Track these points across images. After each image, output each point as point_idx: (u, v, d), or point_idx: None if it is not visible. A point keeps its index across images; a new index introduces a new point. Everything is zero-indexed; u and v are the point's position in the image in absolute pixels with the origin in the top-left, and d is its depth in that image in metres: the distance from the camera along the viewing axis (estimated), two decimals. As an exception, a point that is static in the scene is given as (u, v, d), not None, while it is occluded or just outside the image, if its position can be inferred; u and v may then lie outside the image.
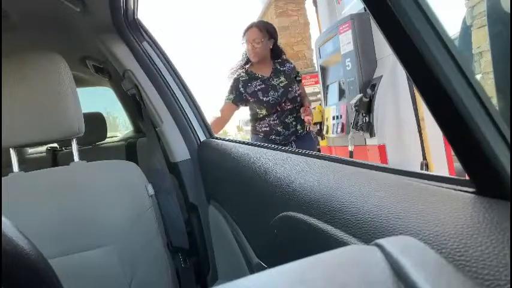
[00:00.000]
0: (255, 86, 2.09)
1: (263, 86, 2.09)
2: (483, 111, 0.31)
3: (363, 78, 2.44)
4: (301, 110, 2.12)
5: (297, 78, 2.19)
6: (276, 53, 2.18)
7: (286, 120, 2.11)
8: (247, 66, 2.16)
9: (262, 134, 2.14)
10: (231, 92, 2.12)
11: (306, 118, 2.10)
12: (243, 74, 2.12)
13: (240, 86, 2.10)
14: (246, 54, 2.16)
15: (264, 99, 2.08)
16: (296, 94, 2.13)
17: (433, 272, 0.23)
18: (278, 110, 2.10)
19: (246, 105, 2.17)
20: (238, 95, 2.10)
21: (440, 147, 2.25)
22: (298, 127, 2.14)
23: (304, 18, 5.84)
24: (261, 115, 2.12)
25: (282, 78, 2.11)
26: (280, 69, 2.15)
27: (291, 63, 2.22)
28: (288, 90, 2.10)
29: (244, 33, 2.13)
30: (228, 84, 2.17)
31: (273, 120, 2.11)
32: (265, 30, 2.10)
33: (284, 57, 2.23)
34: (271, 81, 2.10)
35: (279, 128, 2.11)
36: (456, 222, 0.31)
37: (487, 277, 0.25)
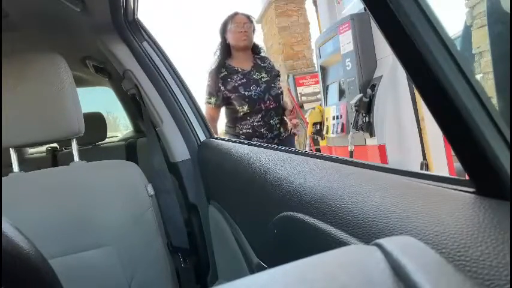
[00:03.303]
0: (236, 80, 1.92)
1: (244, 80, 1.92)
2: (483, 111, 0.31)
3: (363, 78, 2.44)
4: (286, 112, 1.98)
5: (278, 78, 2.06)
6: (255, 47, 2.07)
7: (271, 121, 1.95)
8: (227, 60, 2.00)
9: (243, 137, 1.93)
10: (211, 93, 1.94)
11: (294, 121, 1.97)
12: (222, 69, 1.95)
13: (219, 83, 1.92)
14: (221, 47, 2.00)
15: (246, 93, 1.89)
16: (279, 91, 1.99)
17: (433, 272, 0.23)
18: (262, 109, 1.92)
19: (225, 104, 1.97)
20: (219, 96, 1.93)
21: (440, 147, 2.25)
22: (281, 130, 2.00)
23: (304, 18, 5.84)
24: (241, 113, 1.91)
25: (264, 74, 1.98)
26: (261, 64, 2.02)
27: (271, 61, 2.10)
28: (271, 86, 1.96)
29: (231, 19, 1.98)
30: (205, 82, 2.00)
31: (257, 121, 1.92)
32: (250, 20, 2.01)
33: (263, 54, 2.12)
34: (252, 75, 1.94)
35: (262, 130, 1.93)
36: (456, 222, 0.31)
37: (487, 277, 0.25)
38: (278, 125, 1.98)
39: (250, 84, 1.93)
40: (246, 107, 1.90)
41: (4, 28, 1.16)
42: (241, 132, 1.95)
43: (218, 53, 2.02)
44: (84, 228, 0.86)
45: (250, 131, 1.93)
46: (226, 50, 2.01)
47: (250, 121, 1.93)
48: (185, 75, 1.31)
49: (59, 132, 0.90)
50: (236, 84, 1.92)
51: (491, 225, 0.29)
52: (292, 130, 2.06)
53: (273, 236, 0.63)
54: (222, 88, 1.92)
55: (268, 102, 1.94)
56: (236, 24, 1.96)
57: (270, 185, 0.66)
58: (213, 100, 1.94)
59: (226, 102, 1.95)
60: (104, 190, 0.90)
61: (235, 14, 2.00)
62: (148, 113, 1.26)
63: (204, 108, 1.96)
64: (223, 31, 2.00)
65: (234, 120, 1.97)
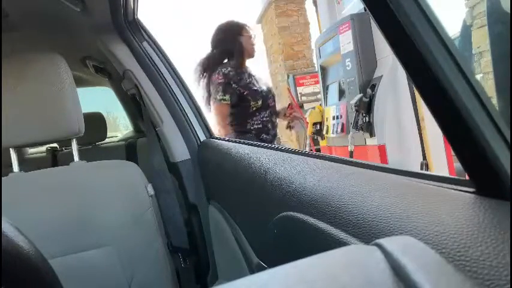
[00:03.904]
0: (245, 78, 2.02)
1: (251, 78, 2.05)
2: (483, 111, 0.31)
3: (363, 78, 2.44)
4: (282, 110, 2.20)
5: None
6: None
7: (272, 118, 2.11)
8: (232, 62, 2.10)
9: (254, 132, 2.03)
10: (224, 90, 1.97)
11: (295, 113, 2.22)
12: (230, 69, 2.02)
13: (231, 82, 1.99)
14: (241, 48, 2.06)
15: (259, 89, 2.04)
16: (274, 92, 2.18)
17: (433, 272, 0.23)
18: (269, 105, 2.07)
19: (238, 101, 2.05)
20: (233, 93, 1.98)
21: (440, 147, 2.25)
22: (277, 128, 2.19)
23: (304, 18, 5.83)
24: (254, 108, 2.02)
25: (257, 77, 2.14)
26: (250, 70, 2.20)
27: None
28: (269, 87, 2.14)
29: (248, 28, 2.10)
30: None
31: (266, 117, 2.06)
32: None
33: None
34: (254, 76, 2.09)
35: (269, 125, 2.08)
36: (456, 222, 0.31)
37: (487, 277, 0.25)
38: (276, 123, 2.17)
39: (256, 82, 2.07)
40: (260, 102, 2.01)
41: (4, 28, 1.16)
42: (252, 127, 2.02)
43: (237, 55, 2.05)
44: (84, 228, 0.86)
45: (261, 126, 2.04)
46: (243, 52, 2.08)
47: (260, 116, 2.04)
48: (185, 75, 1.31)
49: (59, 132, 0.90)
50: (247, 81, 2.02)
51: (491, 225, 0.29)
52: (290, 124, 2.24)
53: (273, 236, 0.63)
54: (235, 86, 1.99)
55: (271, 99, 2.11)
56: (252, 36, 2.10)
57: (270, 185, 0.66)
58: (227, 97, 1.98)
59: (239, 98, 2.00)
60: (104, 190, 0.90)
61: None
62: (148, 113, 1.26)
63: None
64: (238, 34, 2.05)
65: (244, 116, 2.02)
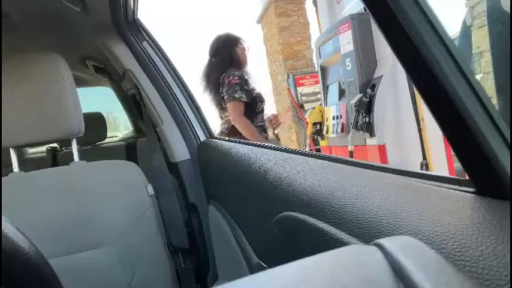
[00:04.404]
0: (250, 82, 2.24)
1: (251, 84, 2.26)
2: (483, 111, 0.31)
3: (363, 78, 2.44)
4: (266, 118, 2.38)
5: None
6: None
7: (266, 119, 2.35)
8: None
9: (259, 129, 2.25)
10: (241, 90, 2.16)
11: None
12: (240, 72, 2.24)
13: (243, 83, 2.19)
14: (236, 58, 2.28)
15: (261, 93, 2.29)
16: None
17: (433, 272, 0.23)
18: (264, 108, 2.31)
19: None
20: (247, 92, 2.18)
21: (440, 147, 2.25)
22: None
23: (304, 18, 5.82)
24: (259, 109, 2.25)
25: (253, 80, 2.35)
26: None
27: None
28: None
29: (244, 40, 2.31)
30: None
31: (264, 116, 2.30)
32: None
33: None
34: (252, 80, 2.31)
35: (266, 125, 2.32)
36: (456, 222, 0.31)
37: (487, 277, 0.25)
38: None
39: (255, 86, 2.29)
40: (264, 103, 2.27)
41: (4, 28, 1.16)
42: (257, 125, 2.23)
43: (236, 63, 2.28)
44: (84, 228, 0.86)
45: (262, 124, 2.26)
46: (239, 61, 2.28)
47: (262, 115, 2.27)
48: (185, 76, 1.31)
49: (59, 132, 0.90)
50: (252, 85, 2.23)
51: (491, 225, 0.29)
52: (275, 132, 2.53)
53: (273, 236, 0.63)
54: (246, 87, 2.19)
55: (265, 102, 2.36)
56: (246, 48, 2.29)
57: (270, 185, 0.66)
58: (244, 96, 2.16)
59: (252, 98, 2.19)
60: (104, 190, 0.90)
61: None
62: (148, 113, 1.26)
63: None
64: (234, 45, 2.26)
65: (251, 115, 2.21)
